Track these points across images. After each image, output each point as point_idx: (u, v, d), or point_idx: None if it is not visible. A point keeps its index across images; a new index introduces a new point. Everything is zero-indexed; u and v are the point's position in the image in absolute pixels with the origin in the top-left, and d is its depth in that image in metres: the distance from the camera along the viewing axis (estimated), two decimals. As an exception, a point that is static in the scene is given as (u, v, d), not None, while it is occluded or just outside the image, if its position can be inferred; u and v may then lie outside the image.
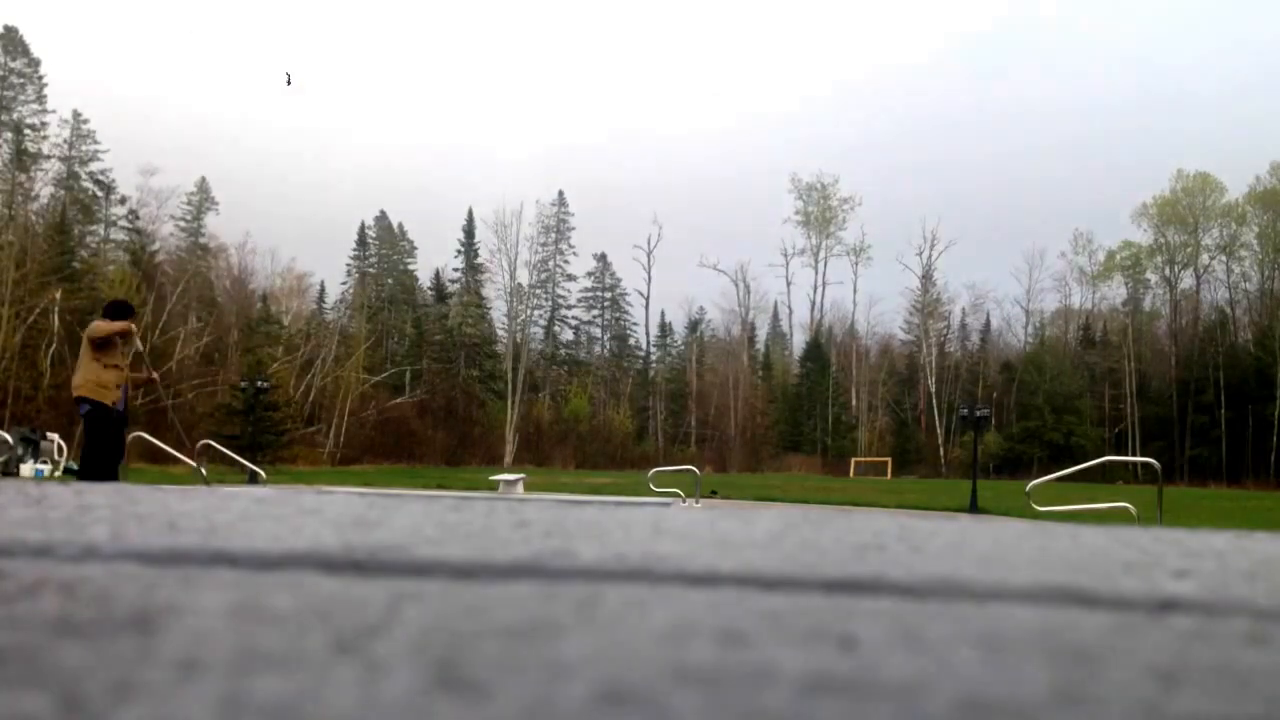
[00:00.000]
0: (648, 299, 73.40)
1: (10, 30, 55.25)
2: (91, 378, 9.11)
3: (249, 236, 61.88)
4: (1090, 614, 0.67)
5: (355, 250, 71.02)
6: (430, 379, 63.70)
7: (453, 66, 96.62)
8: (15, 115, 54.54)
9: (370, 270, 70.42)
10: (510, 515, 1.13)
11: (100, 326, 9.28)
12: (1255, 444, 56.76)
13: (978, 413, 22.98)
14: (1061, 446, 57.12)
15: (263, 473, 19.16)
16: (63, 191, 55.85)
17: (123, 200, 57.60)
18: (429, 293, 70.71)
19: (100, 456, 9.25)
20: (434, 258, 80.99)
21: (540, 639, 0.54)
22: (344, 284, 70.45)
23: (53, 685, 0.43)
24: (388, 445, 54.96)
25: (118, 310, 9.77)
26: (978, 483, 20.05)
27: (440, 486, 20.60)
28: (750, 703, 0.44)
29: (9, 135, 53.47)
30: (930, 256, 70.12)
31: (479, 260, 69.77)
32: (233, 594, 0.65)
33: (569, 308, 73.33)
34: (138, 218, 57.30)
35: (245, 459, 19.93)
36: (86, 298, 47.45)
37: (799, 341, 74.36)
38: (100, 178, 57.40)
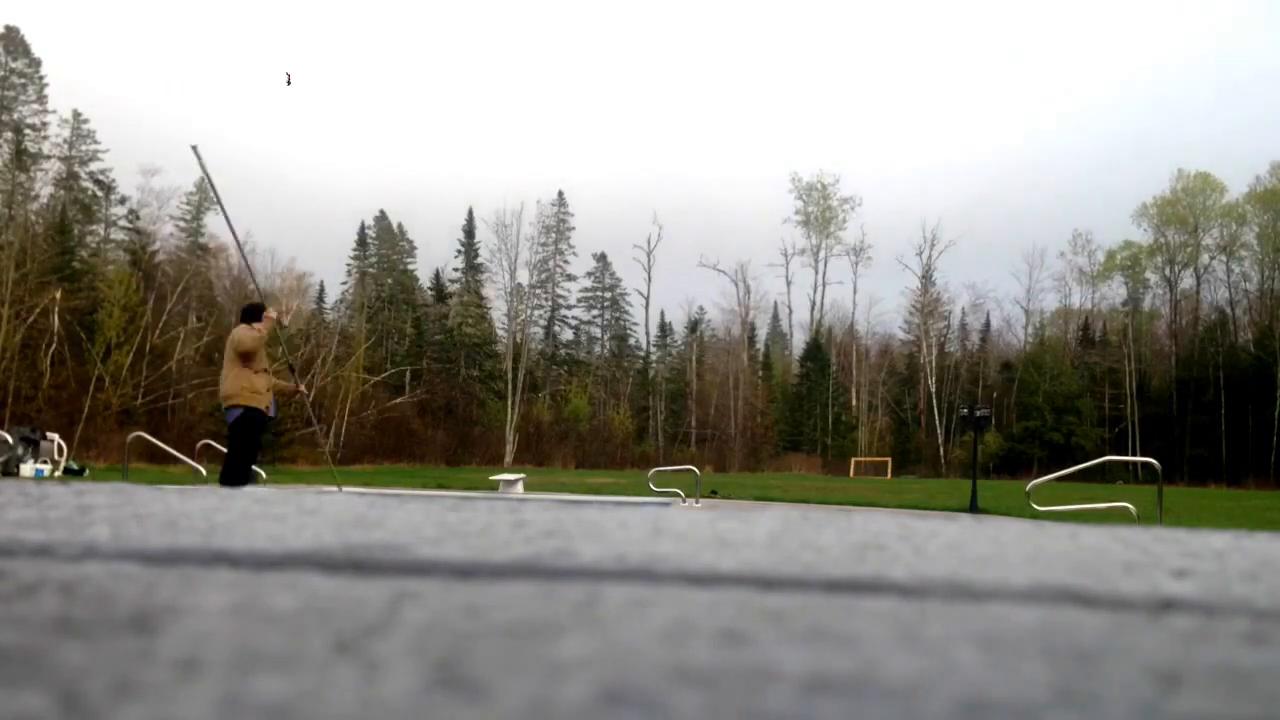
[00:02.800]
0: (648, 299, 73.45)
1: (11, 30, 55.27)
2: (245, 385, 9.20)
3: (249, 236, 61.90)
4: (1090, 614, 0.67)
5: (355, 250, 71.05)
6: (430, 379, 63.68)
7: (453, 66, 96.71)
8: (15, 115, 54.54)
9: (370, 270, 70.40)
10: (510, 515, 1.13)
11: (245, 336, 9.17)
12: (1255, 444, 56.73)
13: (978, 413, 22.90)
14: (1061, 446, 57.13)
15: (262, 473, 19.14)
16: (63, 191, 55.80)
17: (123, 200, 57.59)
18: (429, 293, 70.70)
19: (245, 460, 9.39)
20: (434, 258, 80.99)
21: (540, 639, 0.54)
22: (344, 284, 70.53)
23: (53, 685, 0.43)
24: (388, 445, 54.91)
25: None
26: (978, 482, 20.01)
27: (440, 486, 20.58)
28: (750, 703, 0.44)
29: (9, 135, 53.43)
30: (930, 256, 70.21)
31: (479, 260, 69.86)
32: (233, 594, 0.65)
33: (569, 308, 73.37)
34: (138, 218, 57.28)
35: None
36: (86, 298, 47.43)
37: (799, 341, 74.43)
38: (100, 178, 57.37)
